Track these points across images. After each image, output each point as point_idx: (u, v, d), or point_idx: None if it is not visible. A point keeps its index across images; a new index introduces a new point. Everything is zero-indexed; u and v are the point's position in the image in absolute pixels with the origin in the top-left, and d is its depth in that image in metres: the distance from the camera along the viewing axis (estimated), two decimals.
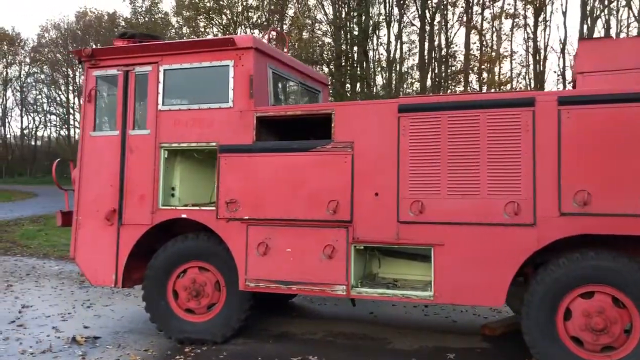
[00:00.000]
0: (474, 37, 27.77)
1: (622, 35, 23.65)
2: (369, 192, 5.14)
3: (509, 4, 28.01)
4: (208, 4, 30.11)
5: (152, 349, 5.75)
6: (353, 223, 5.18)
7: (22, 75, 53.93)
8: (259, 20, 30.52)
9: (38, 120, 55.14)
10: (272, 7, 29.55)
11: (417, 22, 27.72)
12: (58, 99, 52.85)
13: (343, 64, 25.04)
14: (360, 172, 5.18)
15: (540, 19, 26.87)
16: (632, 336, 4.54)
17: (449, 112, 4.93)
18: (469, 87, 26.62)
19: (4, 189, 34.54)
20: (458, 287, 4.88)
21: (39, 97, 53.79)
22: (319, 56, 25.05)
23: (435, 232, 4.93)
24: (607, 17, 24.78)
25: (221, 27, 30.11)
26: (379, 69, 28.59)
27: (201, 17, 30.47)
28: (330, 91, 18.67)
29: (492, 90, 25.34)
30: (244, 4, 30.21)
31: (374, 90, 25.72)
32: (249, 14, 30.60)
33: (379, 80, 28.39)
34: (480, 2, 27.20)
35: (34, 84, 53.51)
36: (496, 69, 28.21)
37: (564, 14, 26.41)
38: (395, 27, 27.80)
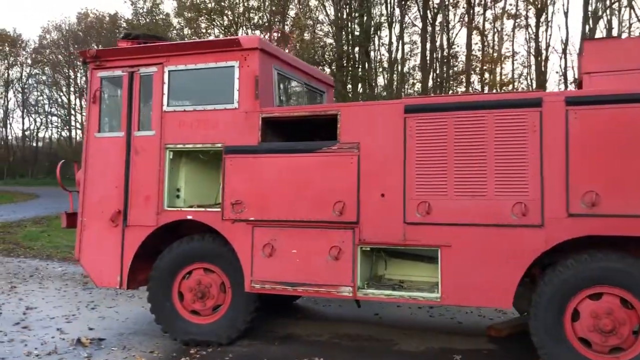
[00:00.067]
0: (476, 38, 27.75)
1: (624, 35, 23.61)
2: (375, 193, 5.13)
3: (510, 5, 28.02)
4: (209, 5, 30.12)
5: (157, 350, 5.74)
6: (359, 224, 5.16)
7: (23, 77, 54.01)
8: (260, 21, 30.54)
9: (39, 121, 55.19)
10: (274, 8, 29.55)
11: (418, 23, 27.72)
12: (59, 100, 52.90)
13: (344, 64, 25.05)
14: (367, 173, 5.16)
15: (542, 19, 26.85)
16: None
17: (456, 112, 4.91)
18: (470, 88, 26.60)
19: (6, 191, 34.57)
20: (465, 289, 4.86)
21: (41, 98, 53.86)
22: (320, 57, 25.06)
23: (442, 233, 4.91)
24: (609, 17, 24.77)
25: (222, 28, 30.12)
26: (381, 69, 28.59)
27: (202, 18, 30.49)
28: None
29: (494, 91, 25.33)
30: (245, 5, 30.23)
31: (376, 91, 25.70)
32: (250, 14, 30.62)
33: (381, 81, 28.40)
34: (482, 2, 27.18)
35: (35, 85, 53.55)
36: (498, 70, 28.20)
37: (566, 14, 26.27)
38: (396, 28, 27.81)
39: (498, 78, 27.94)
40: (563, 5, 43.27)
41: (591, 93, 4.67)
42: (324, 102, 7.42)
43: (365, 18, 25.23)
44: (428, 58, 26.71)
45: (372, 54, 27.47)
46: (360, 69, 26.11)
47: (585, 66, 5.39)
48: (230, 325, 5.78)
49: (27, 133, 55.75)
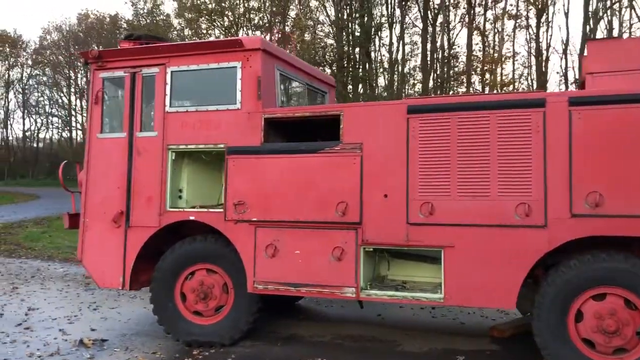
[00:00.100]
0: (477, 38, 27.76)
1: (625, 36, 23.61)
2: (378, 193, 5.12)
3: (511, 5, 28.03)
4: (210, 6, 30.14)
5: (160, 351, 5.73)
6: (362, 225, 5.16)
7: (24, 78, 54.02)
8: (261, 22, 30.56)
9: (40, 122, 55.22)
10: (274, 9, 29.57)
11: (419, 23, 27.73)
12: (60, 101, 52.92)
13: (345, 65, 25.06)
14: (369, 174, 5.16)
15: (543, 20, 26.86)
16: None
17: (459, 113, 4.91)
18: (471, 89, 26.61)
19: (7, 191, 34.55)
20: (468, 289, 4.85)
21: (41, 99, 53.89)
22: (321, 57, 25.07)
23: (445, 233, 4.90)
24: (609, 18, 24.77)
25: (223, 28, 30.14)
26: (381, 70, 28.60)
27: (203, 19, 30.51)
28: None
29: (495, 91, 25.34)
30: (246, 5, 30.25)
31: (377, 92, 25.70)
32: (251, 15, 30.64)
33: (381, 81, 28.41)
34: (483, 3, 27.20)
35: (36, 86, 53.58)
36: (498, 70, 28.20)
37: (566, 14, 26.30)
38: (397, 29, 27.82)
39: (499, 78, 27.95)
40: (564, 5, 43.37)
41: (594, 93, 4.67)
42: (326, 102, 7.42)
43: (366, 19, 25.23)
44: (429, 58, 26.71)
45: (372, 54, 27.49)
46: (360, 70, 26.12)
47: (588, 66, 5.37)
48: (233, 326, 5.77)
49: (27, 134, 55.81)
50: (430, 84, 26.78)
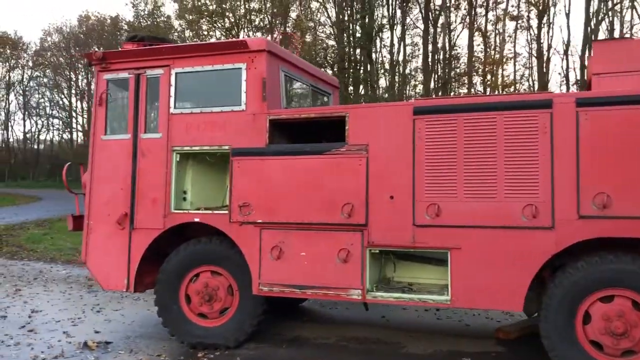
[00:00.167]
0: (478, 39, 27.77)
1: (627, 36, 23.58)
2: (384, 195, 5.10)
3: (512, 6, 28.03)
4: (211, 7, 30.16)
5: (164, 353, 5.71)
6: (368, 226, 5.14)
7: (24, 79, 54.09)
8: (262, 23, 30.57)
9: (41, 123, 55.30)
10: (275, 10, 29.58)
11: (420, 24, 27.73)
12: (61, 102, 53.00)
13: (346, 66, 25.06)
14: (375, 175, 5.14)
15: (544, 20, 26.86)
16: None
17: (465, 114, 4.88)
18: (472, 89, 26.60)
19: (7, 193, 34.55)
20: (475, 291, 4.83)
21: (42, 100, 53.96)
22: (322, 59, 25.07)
23: (452, 235, 4.88)
24: (610, 19, 24.76)
25: (224, 30, 30.16)
26: (382, 71, 28.60)
27: (204, 20, 30.53)
28: None
29: (496, 92, 25.34)
30: (247, 7, 30.26)
31: (378, 93, 25.70)
32: (252, 17, 30.65)
33: (382, 82, 28.41)
34: (484, 4, 27.20)
35: (36, 87, 53.68)
36: (500, 71, 28.20)
37: (567, 15, 26.32)
38: (398, 30, 27.83)
39: (499, 79, 27.94)
40: (565, 6, 43.34)
41: (602, 94, 4.65)
42: (330, 103, 7.41)
43: (367, 20, 25.23)
44: (430, 60, 26.71)
45: (373, 55, 27.49)
46: (362, 71, 26.11)
47: (594, 67, 5.36)
48: (238, 328, 5.75)
49: (28, 135, 55.93)
50: (432, 85, 26.78)
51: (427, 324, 6.98)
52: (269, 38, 6.85)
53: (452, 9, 27.91)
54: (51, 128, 55.10)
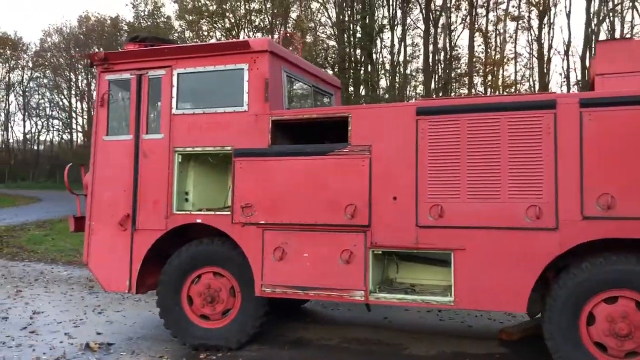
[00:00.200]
0: (479, 40, 27.77)
1: (627, 37, 23.58)
2: (387, 196, 5.08)
3: (513, 7, 28.03)
4: (211, 8, 30.17)
5: (166, 355, 5.69)
6: (371, 227, 5.12)
7: (24, 80, 54.07)
8: (262, 24, 30.58)
9: (40, 124, 55.28)
10: (275, 11, 29.58)
11: (420, 25, 27.74)
12: (60, 103, 52.98)
13: (347, 67, 25.05)
14: (378, 176, 5.12)
15: (544, 21, 26.86)
16: None
17: (469, 114, 4.87)
18: (473, 90, 26.60)
19: (7, 194, 34.53)
20: (479, 292, 4.81)
21: (42, 101, 53.94)
22: (323, 59, 25.06)
23: (455, 236, 4.86)
24: (611, 19, 24.76)
25: (224, 30, 30.16)
26: (383, 71, 28.60)
27: (204, 20, 30.53)
28: None
29: (497, 93, 25.33)
30: (247, 7, 30.27)
31: (379, 93, 25.70)
32: (252, 17, 30.65)
33: (383, 83, 28.41)
34: (485, 4, 27.21)
35: (36, 88, 53.66)
36: (500, 72, 28.20)
37: (568, 16, 26.31)
38: (398, 30, 27.83)
39: (500, 80, 27.94)
40: (565, 7, 43.28)
41: (606, 95, 4.63)
42: (332, 104, 7.39)
43: (367, 20, 25.22)
44: (430, 60, 26.70)
45: (374, 56, 27.49)
46: (362, 71, 26.10)
47: (597, 68, 5.35)
48: (240, 330, 5.73)
49: (28, 136, 55.92)
50: (432, 85, 26.78)
51: (429, 325, 6.96)
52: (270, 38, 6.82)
53: (453, 9, 27.91)
54: (51, 129, 55.12)
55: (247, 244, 5.52)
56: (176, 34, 32.73)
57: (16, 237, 15.53)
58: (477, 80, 28.34)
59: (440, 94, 25.75)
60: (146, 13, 38.40)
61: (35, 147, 56.77)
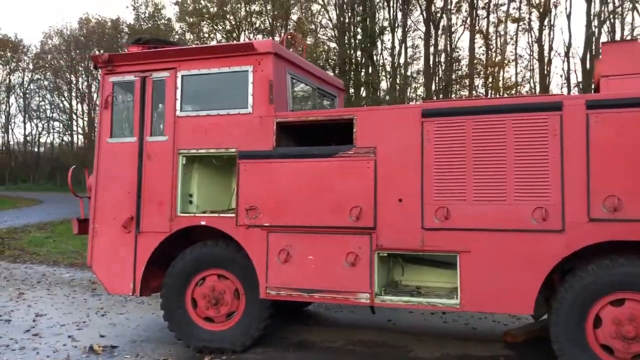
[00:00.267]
0: (480, 41, 27.78)
1: (628, 38, 23.59)
2: (392, 198, 5.07)
3: (514, 9, 28.05)
4: (212, 10, 30.19)
5: (170, 358, 5.68)
6: (376, 230, 5.10)
7: (25, 82, 54.11)
8: (262, 26, 30.60)
9: (41, 126, 55.31)
10: (276, 13, 29.61)
11: (421, 27, 27.75)
12: (61, 105, 53.00)
13: (347, 68, 25.06)
14: (384, 178, 5.10)
15: (545, 22, 26.87)
16: None
17: (474, 116, 4.86)
18: (474, 92, 26.60)
19: (8, 196, 34.51)
20: (485, 295, 4.80)
21: (42, 103, 53.98)
22: (323, 61, 25.07)
23: (461, 238, 4.85)
24: (612, 21, 24.78)
25: (225, 32, 30.18)
26: (384, 73, 28.61)
27: (205, 22, 30.55)
28: None
29: (498, 94, 25.34)
30: (248, 9, 30.30)
31: (380, 94, 25.70)
32: (253, 19, 30.69)
33: (384, 85, 28.42)
34: (486, 6, 27.23)
35: (37, 90, 53.69)
36: (501, 73, 28.20)
37: (569, 17, 26.34)
38: (399, 32, 27.84)
39: (501, 82, 27.95)
40: (566, 9, 43.26)
41: (612, 96, 4.62)
42: (336, 106, 7.39)
43: (368, 22, 25.24)
44: (431, 62, 26.71)
45: (375, 57, 27.49)
46: (363, 73, 26.11)
47: (602, 69, 5.33)
48: (244, 332, 5.71)
49: (28, 138, 55.93)
50: (433, 87, 26.79)
51: (433, 327, 6.94)
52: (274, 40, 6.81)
53: (454, 11, 27.93)
54: (51, 131, 55.19)
55: (252, 246, 5.50)
56: (177, 36, 32.76)
57: (18, 240, 15.52)
58: (478, 82, 28.37)
59: (441, 96, 25.74)
60: (147, 15, 38.48)
61: (36, 149, 56.81)
